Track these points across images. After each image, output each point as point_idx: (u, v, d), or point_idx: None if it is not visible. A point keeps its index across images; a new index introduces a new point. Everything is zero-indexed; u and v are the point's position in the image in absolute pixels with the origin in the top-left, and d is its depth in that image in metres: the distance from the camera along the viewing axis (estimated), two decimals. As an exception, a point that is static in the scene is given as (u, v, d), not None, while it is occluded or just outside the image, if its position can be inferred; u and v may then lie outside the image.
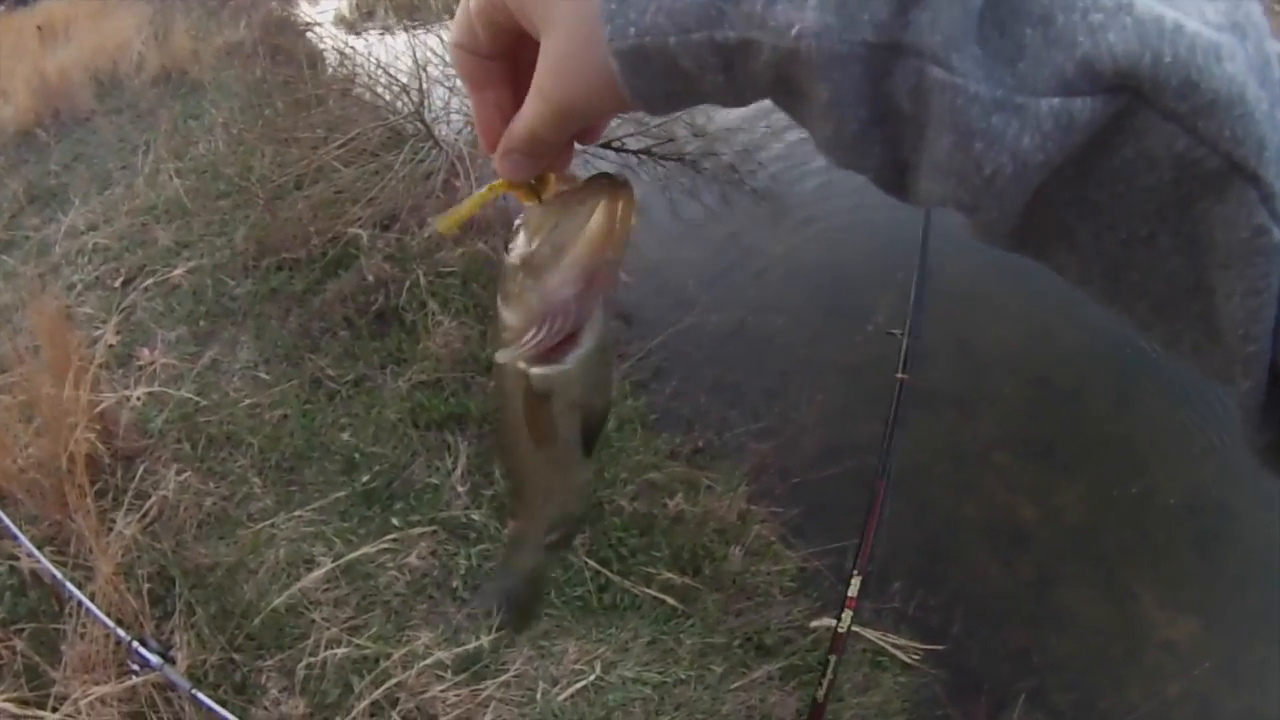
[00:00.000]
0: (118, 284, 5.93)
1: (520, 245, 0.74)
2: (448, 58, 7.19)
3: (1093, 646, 4.30)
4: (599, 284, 0.71)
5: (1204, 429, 5.28)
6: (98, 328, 5.27)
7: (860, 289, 5.99)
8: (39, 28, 13.00)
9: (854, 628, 3.88)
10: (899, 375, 3.20)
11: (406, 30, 8.49)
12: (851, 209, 7.07)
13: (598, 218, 0.68)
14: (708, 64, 0.51)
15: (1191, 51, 0.41)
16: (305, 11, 12.66)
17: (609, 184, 0.69)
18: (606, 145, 7.64)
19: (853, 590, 2.89)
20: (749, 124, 7.96)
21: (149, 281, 5.82)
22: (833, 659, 2.85)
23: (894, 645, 4.06)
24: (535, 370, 0.75)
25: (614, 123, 7.80)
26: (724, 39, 0.49)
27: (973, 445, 5.26)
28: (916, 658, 4.04)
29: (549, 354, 0.74)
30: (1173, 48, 0.41)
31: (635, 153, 7.76)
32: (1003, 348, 5.90)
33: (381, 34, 10.60)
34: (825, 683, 2.84)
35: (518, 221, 0.75)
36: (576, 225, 0.69)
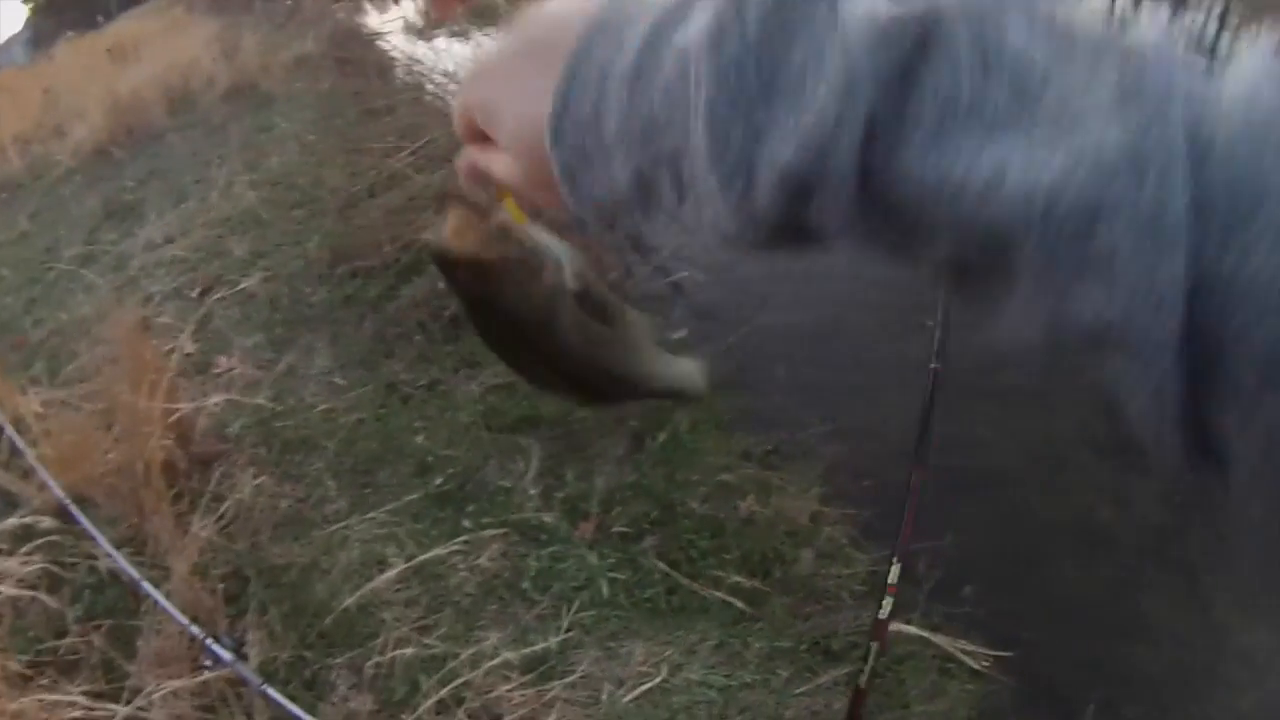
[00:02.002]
0: (195, 294, 6.03)
1: None
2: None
3: (1168, 655, 4.21)
4: None
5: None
6: (176, 337, 5.36)
7: (929, 287, 5.94)
8: (109, 50, 13.28)
9: (924, 633, 3.86)
10: (933, 365, 3.17)
11: (474, 34, 8.56)
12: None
13: None
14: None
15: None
16: (373, 21, 12.82)
17: None
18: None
19: (892, 578, 2.86)
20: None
21: (226, 291, 5.92)
22: (874, 645, 2.82)
23: (963, 651, 4.00)
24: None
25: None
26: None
27: (1050, 444, 5.18)
28: (985, 664, 3.98)
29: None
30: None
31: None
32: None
33: (450, 40, 10.69)
34: (866, 669, 2.81)
35: None
36: None
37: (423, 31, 12.17)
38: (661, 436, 4.57)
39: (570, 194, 0.59)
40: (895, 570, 2.86)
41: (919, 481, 2.95)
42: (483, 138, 0.68)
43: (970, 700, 3.84)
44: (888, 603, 2.84)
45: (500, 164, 0.67)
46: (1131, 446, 0.45)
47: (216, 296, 5.88)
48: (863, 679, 2.83)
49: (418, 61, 8.23)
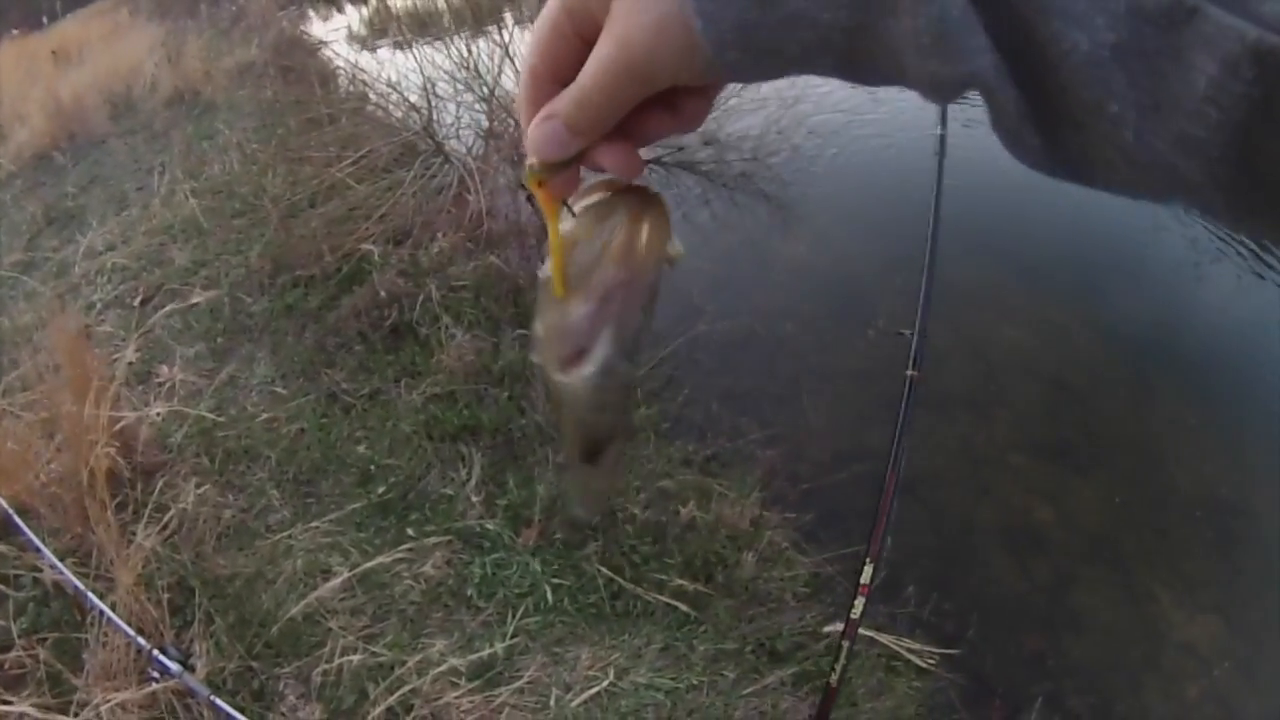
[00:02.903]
0: (136, 303, 6.00)
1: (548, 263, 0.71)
2: (456, 74, 7.27)
3: (1110, 649, 4.29)
4: (611, 311, 0.68)
5: (1221, 425, 5.28)
6: (117, 346, 5.33)
7: (869, 292, 6.02)
8: (53, 52, 13.12)
9: (870, 632, 3.93)
10: (909, 372, 3.23)
11: (417, 46, 8.55)
12: (860, 213, 7.13)
13: (618, 240, 0.66)
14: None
15: None
16: (317, 30, 12.77)
17: (637, 199, 0.68)
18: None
19: (865, 578, 2.92)
20: (759, 131, 8.00)
21: (167, 300, 5.89)
22: (845, 644, 2.88)
23: (908, 650, 4.07)
24: (554, 376, 0.73)
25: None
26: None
27: (987, 447, 5.25)
28: (931, 662, 4.05)
29: (569, 362, 0.72)
30: None
31: (646, 162, 7.81)
32: (1016, 348, 5.90)
33: (393, 50, 10.67)
34: (838, 667, 2.88)
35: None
36: (598, 244, 0.67)
37: (366, 41, 12.17)
38: (603, 444, 4.60)
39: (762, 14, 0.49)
40: (868, 571, 2.93)
41: (892, 485, 3.02)
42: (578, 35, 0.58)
43: (918, 697, 3.91)
44: (860, 602, 2.91)
45: (590, 57, 0.56)
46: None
47: (158, 305, 5.85)
48: (833, 677, 2.91)
49: (361, 71, 8.20)
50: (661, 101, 0.60)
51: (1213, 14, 0.40)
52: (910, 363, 3.22)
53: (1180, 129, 0.42)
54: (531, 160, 0.64)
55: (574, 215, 0.69)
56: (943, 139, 3.66)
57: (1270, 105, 0.39)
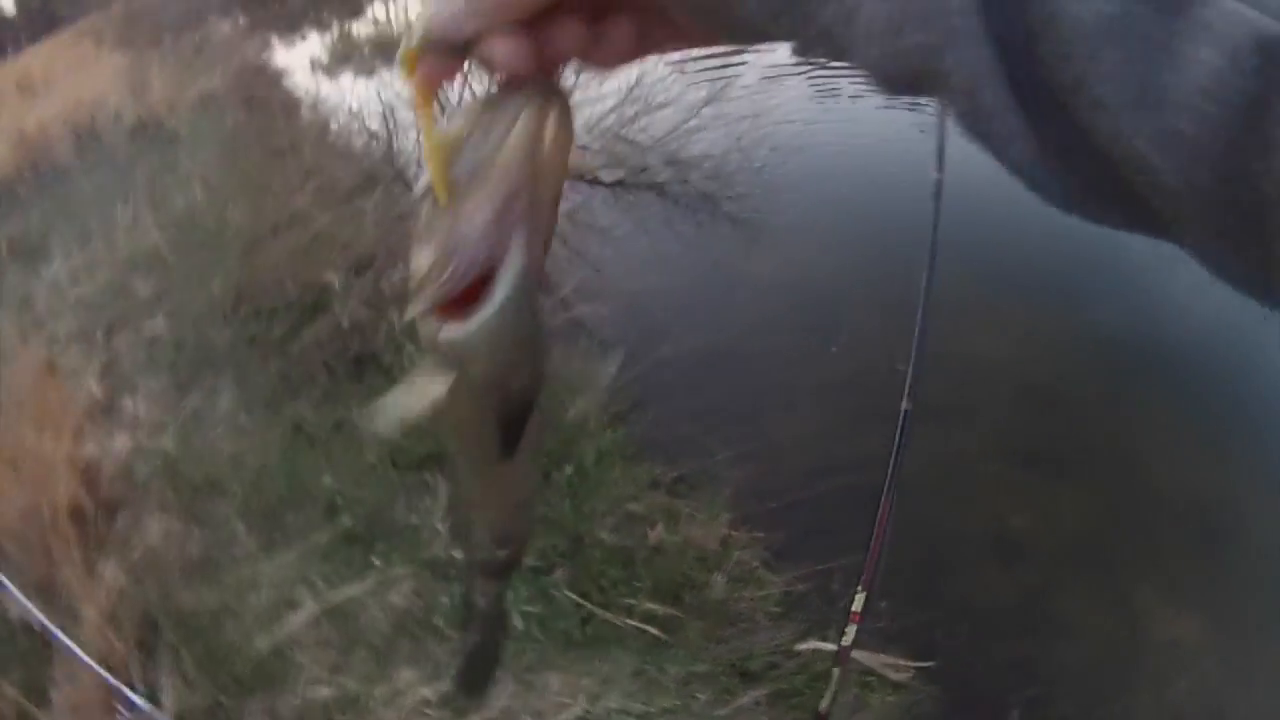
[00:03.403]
0: (100, 336, 5.96)
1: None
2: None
3: (1094, 650, 4.29)
4: (518, 215, 0.57)
5: (1201, 425, 5.30)
6: (81, 380, 5.30)
7: (833, 310, 6.04)
8: (16, 83, 13.07)
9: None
10: (904, 405, 3.24)
11: (379, 73, 8.56)
12: (825, 229, 7.14)
13: (518, 129, 0.56)
14: None
15: None
16: (280, 58, 12.76)
17: (539, 88, 0.57)
18: (579, 178, 7.72)
19: (857, 605, 2.92)
20: (722, 151, 8.03)
21: (131, 333, 5.86)
22: (836, 671, 2.89)
23: (883, 664, 4.06)
24: (448, 334, 0.60)
25: (585, 156, 7.88)
26: None
27: (962, 456, 5.26)
28: (907, 675, 4.05)
29: (465, 304, 0.59)
30: None
31: (608, 185, 7.85)
32: (989, 355, 5.89)
33: (355, 78, 10.68)
34: (829, 694, 2.88)
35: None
36: (494, 139, 0.57)
37: (329, 68, 12.17)
38: (568, 469, 4.61)
39: None
40: (860, 599, 2.93)
41: (886, 515, 3.03)
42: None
43: (893, 713, 3.91)
44: (851, 630, 2.91)
45: None
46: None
47: (122, 338, 5.82)
48: (824, 704, 2.91)
49: (323, 100, 8.21)
50: (586, 15, 0.56)
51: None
52: (905, 396, 3.23)
53: (1166, 123, 0.40)
54: (412, 41, 0.57)
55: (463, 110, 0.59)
56: (939, 183, 3.60)
57: (1268, 103, 0.38)
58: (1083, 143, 0.44)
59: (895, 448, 3.16)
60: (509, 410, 0.65)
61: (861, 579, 2.98)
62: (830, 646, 3.50)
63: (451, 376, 0.62)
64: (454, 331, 0.59)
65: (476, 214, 0.57)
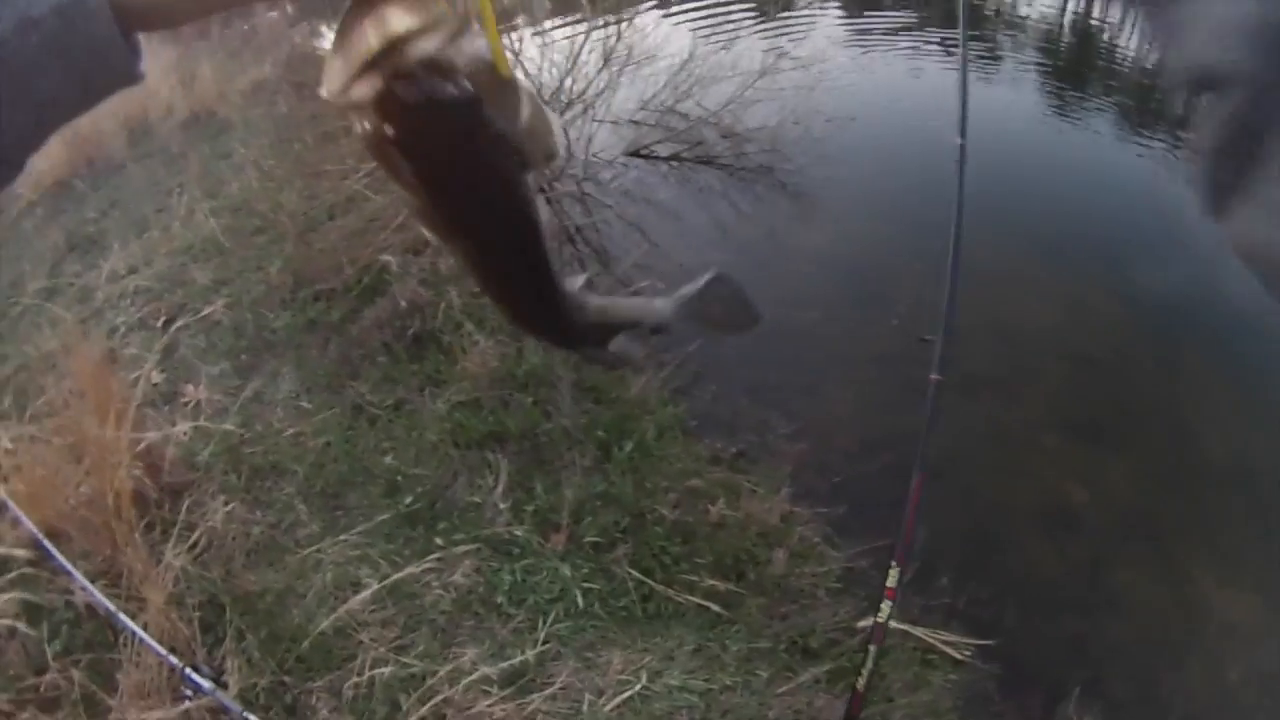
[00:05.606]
0: (159, 324, 6.00)
1: None
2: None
3: (1150, 631, 4.24)
4: None
5: (1256, 393, 5.21)
6: (142, 368, 5.34)
7: (891, 280, 5.98)
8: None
9: (904, 626, 3.89)
10: (933, 376, 3.20)
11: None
12: (880, 200, 7.08)
13: None
14: None
15: None
16: (327, 44, 12.77)
17: None
18: (635, 154, 7.69)
19: (891, 581, 2.90)
20: (776, 121, 7.97)
21: (190, 320, 5.89)
22: (872, 648, 2.86)
23: (944, 642, 4.03)
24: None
25: (642, 130, 7.86)
26: None
27: (1016, 429, 5.20)
28: (968, 653, 4.00)
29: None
30: None
31: (665, 159, 7.82)
32: (1040, 326, 5.83)
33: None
34: (865, 671, 2.85)
35: None
36: None
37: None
38: (628, 445, 4.59)
39: None
40: (894, 574, 2.90)
41: (920, 487, 2.99)
42: None
43: (954, 690, 3.87)
44: (886, 605, 2.88)
45: None
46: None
47: (181, 325, 5.85)
48: (860, 681, 2.88)
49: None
50: None
51: None
52: (935, 367, 3.18)
53: None
54: None
55: None
56: (963, 148, 3.58)
57: None
58: None
59: (928, 418, 3.11)
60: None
61: (894, 554, 2.94)
62: (893, 624, 3.49)
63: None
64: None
65: None
